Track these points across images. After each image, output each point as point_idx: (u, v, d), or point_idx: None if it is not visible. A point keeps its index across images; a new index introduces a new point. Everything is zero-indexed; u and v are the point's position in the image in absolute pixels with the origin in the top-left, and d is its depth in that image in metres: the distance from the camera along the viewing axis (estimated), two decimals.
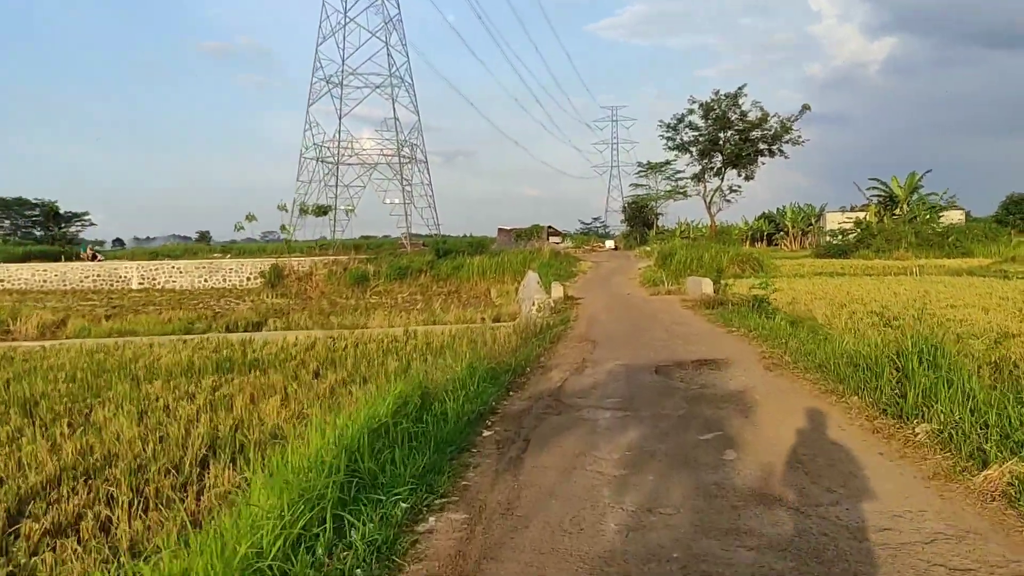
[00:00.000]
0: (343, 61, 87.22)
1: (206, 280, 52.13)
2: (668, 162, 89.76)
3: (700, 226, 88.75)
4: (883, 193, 58.25)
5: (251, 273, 50.52)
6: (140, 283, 52.28)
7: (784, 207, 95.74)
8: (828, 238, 56.19)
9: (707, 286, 24.19)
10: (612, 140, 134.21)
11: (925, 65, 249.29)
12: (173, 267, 52.87)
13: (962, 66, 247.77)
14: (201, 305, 39.91)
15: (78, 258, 58.98)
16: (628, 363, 12.46)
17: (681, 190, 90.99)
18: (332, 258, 47.53)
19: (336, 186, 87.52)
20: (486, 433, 8.09)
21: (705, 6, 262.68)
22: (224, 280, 51.83)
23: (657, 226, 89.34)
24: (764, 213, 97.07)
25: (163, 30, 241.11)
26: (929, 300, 23.99)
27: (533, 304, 22.99)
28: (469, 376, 10.43)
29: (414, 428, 7.66)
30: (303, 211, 52.79)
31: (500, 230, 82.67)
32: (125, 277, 52.81)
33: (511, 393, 10.41)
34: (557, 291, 23.52)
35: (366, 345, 19.37)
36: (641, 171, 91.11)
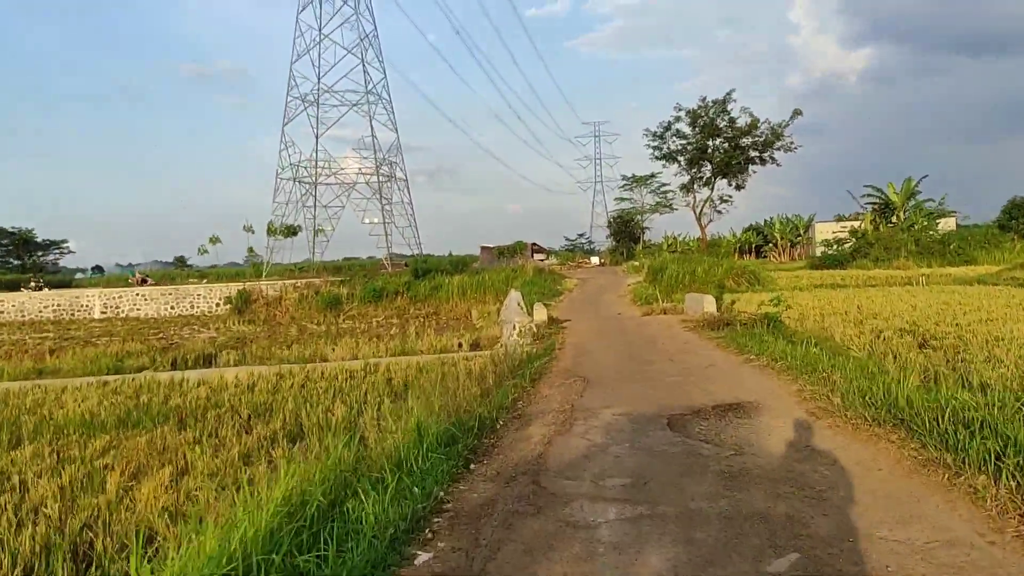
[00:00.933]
0: (319, 79, 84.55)
1: (172, 307, 48.90)
2: (653, 175, 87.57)
3: (688, 240, 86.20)
4: (879, 200, 55.68)
5: (220, 299, 47.36)
6: (103, 312, 48.98)
7: (772, 218, 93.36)
8: (823, 248, 53.48)
9: (709, 304, 21.26)
10: (595, 155, 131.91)
11: (902, 74, 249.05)
12: (137, 294, 49.58)
13: (937, 74, 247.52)
14: (160, 335, 36.69)
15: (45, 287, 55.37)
16: (630, 411, 9.47)
17: (667, 203, 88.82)
18: (305, 281, 44.42)
19: (315, 207, 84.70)
20: (420, 560, 5.04)
21: (682, 21, 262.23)
22: (192, 307, 48.63)
23: (644, 240, 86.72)
24: (751, 225, 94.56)
25: (142, 53, 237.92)
26: (954, 313, 21.38)
27: (514, 329, 20.02)
28: (415, 444, 7.44)
29: (303, 564, 4.64)
30: (271, 232, 49.59)
31: (483, 248, 79.74)
32: (87, 306, 49.49)
33: (472, 467, 7.38)
34: (540, 313, 20.50)
35: (316, 384, 16.29)
36: (626, 184, 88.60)
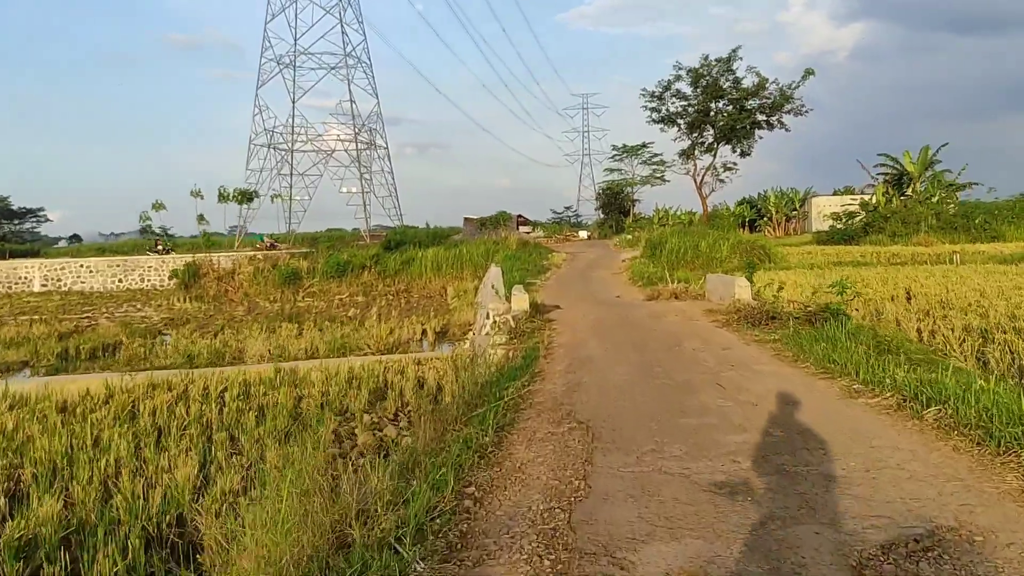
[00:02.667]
0: (295, 40, 78.42)
1: (120, 280, 43.23)
2: (645, 144, 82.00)
3: (679, 213, 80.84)
4: (893, 171, 50.36)
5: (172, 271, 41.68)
6: (43, 285, 43.24)
7: (766, 191, 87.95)
8: (831, 222, 48.18)
9: (742, 289, 15.91)
10: (583, 128, 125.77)
11: (892, 51, 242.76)
12: (82, 266, 43.82)
13: (928, 52, 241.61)
14: (86, 315, 31.16)
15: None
16: (716, 559, 4.15)
17: (659, 174, 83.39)
18: (263, 253, 38.84)
19: (291, 175, 78.87)
20: None
21: None
22: (142, 280, 42.97)
23: (634, 213, 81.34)
24: (745, 198, 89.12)
25: (127, 21, 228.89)
26: None
27: (488, 319, 14.72)
28: None
29: None
30: (222, 197, 43.78)
31: (466, 220, 74.11)
32: (26, 278, 43.71)
33: None
34: (520, 300, 14.99)
35: (179, 407, 10.87)
36: (616, 154, 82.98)
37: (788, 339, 11.29)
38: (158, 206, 41.21)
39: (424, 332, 21.51)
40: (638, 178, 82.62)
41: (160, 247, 47.04)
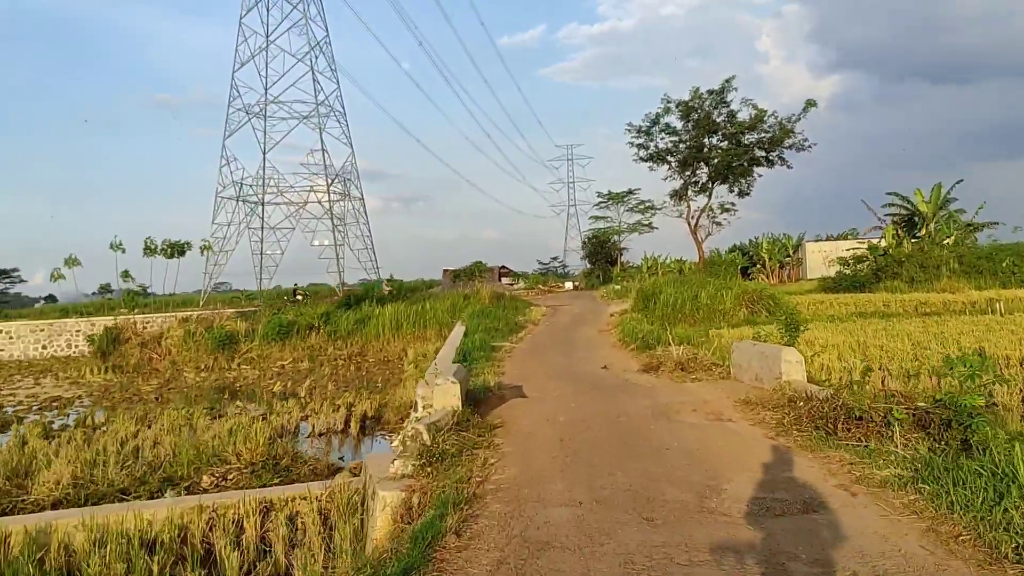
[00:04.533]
0: (265, 89, 73.68)
1: (44, 347, 37.37)
2: (631, 191, 77.19)
3: (669, 261, 75.68)
4: (904, 211, 45.25)
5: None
6: None
7: (758, 238, 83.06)
8: (839, 268, 42.82)
9: (792, 366, 10.17)
10: (568, 179, 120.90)
11: (869, 101, 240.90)
12: (1, 332, 37.94)
13: (905, 101, 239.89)
14: None
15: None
16: None
17: (646, 222, 78.49)
18: (196, 314, 33.14)
19: (261, 228, 73.54)
20: None
21: (651, 51, 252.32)
22: (69, 346, 37.12)
23: (621, 262, 76.13)
24: (736, 245, 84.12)
25: (114, 81, 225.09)
26: None
27: (416, 411, 9.13)
28: None
29: None
30: (148, 250, 37.89)
31: (445, 271, 68.59)
32: None
33: None
34: (446, 394, 9.05)
35: None
36: (602, 202, 78.03)
37: (923, 474, 5.74)
38: (72, 262, 35.44)
39: (348, 420, 15.80)
40: (625, 226, 77.68)
41: (300, 296, 41.79)
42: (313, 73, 72.44)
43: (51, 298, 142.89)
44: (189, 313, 33.60)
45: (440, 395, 8.96)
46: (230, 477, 10.72)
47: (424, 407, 9.14)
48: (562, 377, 14.03)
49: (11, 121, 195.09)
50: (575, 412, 9.75)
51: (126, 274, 35.79)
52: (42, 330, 37.95)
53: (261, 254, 74.01)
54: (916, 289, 36.41)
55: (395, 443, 8.22)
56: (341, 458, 13.04)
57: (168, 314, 34.11)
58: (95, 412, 18.04)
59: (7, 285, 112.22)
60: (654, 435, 8.26)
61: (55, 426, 17.20)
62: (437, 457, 7.57)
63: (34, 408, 21.21)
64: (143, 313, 35.20)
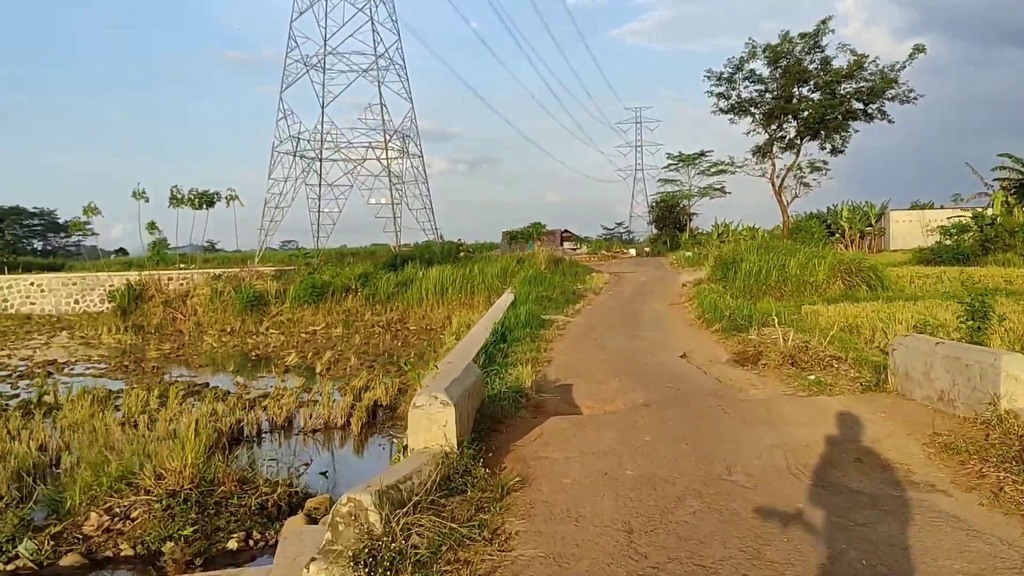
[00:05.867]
0: (324, 40, 70.36)
1: (77, 302, 34.92)
2: (703, 153, 71.69)
3: (741, 229, 70.51)
4: (1018, 174, 39.56)
5: None
6: None
7: (837, 205, 76.99)
8: (940, 238, 37.59)
9: (1019, 384, 6.06)
10: (636, 142, 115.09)
11: (955, 65, 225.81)
12: (32, 284, 35.61)
13: (992, 67, 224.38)
14: None
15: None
16: None
17: (719, 186, 73.12)
18: (224, 272, 30.04)
19: (319, 184, 70.89)
20: None
21: (726, 10, 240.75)
22: (101, 301, 34.53)
23: (691, 228, 71.19)
24: (813, 213, 78.23)
25: (186, 39, 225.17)
26: None
27: (352, 497, 5.41)
28: None
29: None
30: (174, 200, 34.69)
31: (504, 234, 64.71)
32: None
33: None
34: (431, 430, 5.05)
35: None
36: (672, 164, 72.81)
37: None
38: (91, 210, 32.59)
39: (351, 411, 12.15)
40: (695, 190, 72.43)
41: (463, 253, 38.43)
42: (373, 24, 68.68)
43: (121, 251, 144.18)
44: (220, 271, 30.54)
45: (418, 428, 5.15)
46: (133, 516, 7.16)
47: (393, 468, 5.43)
48: (628, 372, 10.09)
49: (91, 76, 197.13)
50: (651, 457, 5.80)
51: (152, 225, 32.85)
52: (74, 284, 35.49)
53: (319, 211, 71.56)
54: None
55: (324, 524, 4.48)
56: (324, 473, 9.42)
57: (198, 270, 31.10)
58: (57, 386, 14.82)
59: (80, 238, 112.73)
60: (809, 532, 4.31)
61: (11, 404, 14.01)
62: (388, 567, 3.80)
63: (14, 376, 18.19)
64: (180, 269, 32.27)
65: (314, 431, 11.58)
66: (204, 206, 34.80)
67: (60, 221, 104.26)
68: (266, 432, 11.60)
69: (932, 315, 14.67)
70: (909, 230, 69.97)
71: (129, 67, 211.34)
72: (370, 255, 61.46)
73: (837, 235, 74.23)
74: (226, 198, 35.40)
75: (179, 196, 34.23)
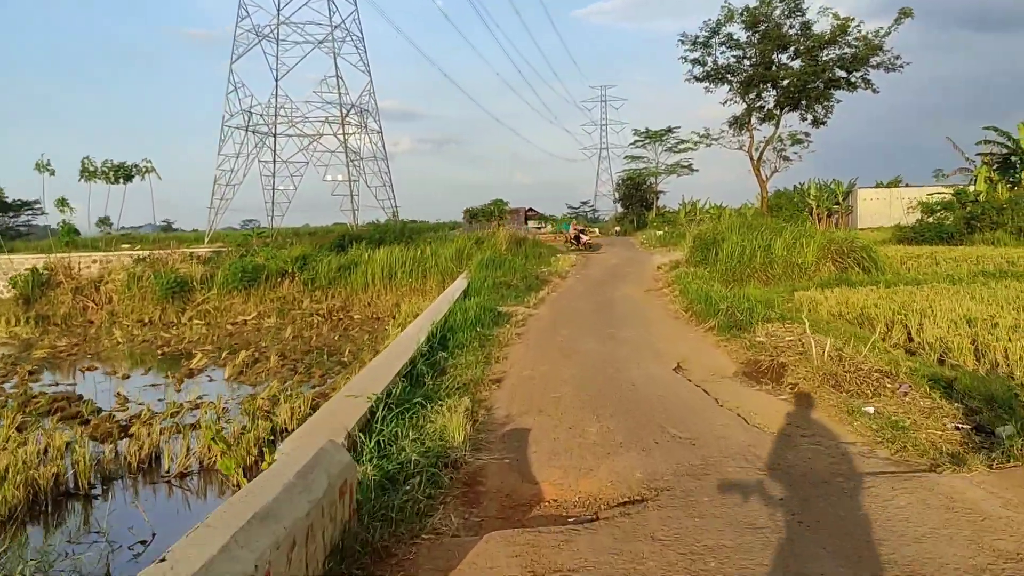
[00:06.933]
0: (278, 9, 66.07)
1: None
2: (670, 129, 68.98)
3: (708, 207, 68.05)
4: (1004, 149, 37.14)
5: None
6: None
7: (804, 183, 74.87)
8: (922, 215, 35.13)
9: None
10: (601, 121, 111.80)
11: (915, 48, 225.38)
12: None
13: (948, 50, 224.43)
14: None
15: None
16: None
17: (686, 163, 70.42)
18: (150, 254, 26.35)
19: (273, 162, 67.02)
20: None
21: None
22: (7, 289, 30.67)
23: (657, 207, 68.52)
24: (780, 190, 76.05)
25: (146, 17, 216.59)
26: None
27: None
28: None
29: None
30: (86, 173, 30.60)
31: (465, 212, 61.32)
32: None
33: None
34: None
35: None
36: (638, 140, 70.01)
37: None
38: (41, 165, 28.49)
39: (239, 442, 8.98)
40: (662, 167, 69.74)
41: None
42: None
43: (75, 231, 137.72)
44: (145, 252, 26.91)
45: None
46: None
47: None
48: (609, 402, 7.05)
49: (47, 57, 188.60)
50: None
51: (62, 202, 28.89)
52: None
53: (273, 189, 67.96)
54: None
55: None
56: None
57: (122, 253, 27.41)
58: None
59: (29, 217, 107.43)
60: None
61: None
62: None
63: None
64: (95, 252, 28.52)
65: (183, 475, 8.41)
66: (121, 180, 30.92)
67: (8, 200, 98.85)
68: (118, 478, 8.40)
69: (961, 307, 11.94)
70: (877, 208, 68.06)
71: (86, 46, 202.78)
72: (328, 234, 57.85)
73: (805, 212, 72.07)
74: (142, 170, 31.42)
75: (91, 169, 30.16)
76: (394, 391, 6.63)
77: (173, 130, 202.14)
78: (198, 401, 11.71)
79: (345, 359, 15.45)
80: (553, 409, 6.79)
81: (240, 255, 25.31)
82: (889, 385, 7.53)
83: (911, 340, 11.11)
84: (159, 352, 17.82)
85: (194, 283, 23.94)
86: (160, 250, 27.94)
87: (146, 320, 23.05)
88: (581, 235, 32.96)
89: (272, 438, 9.15)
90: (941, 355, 10.09)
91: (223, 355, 16.54)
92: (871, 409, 6.59)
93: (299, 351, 17.09)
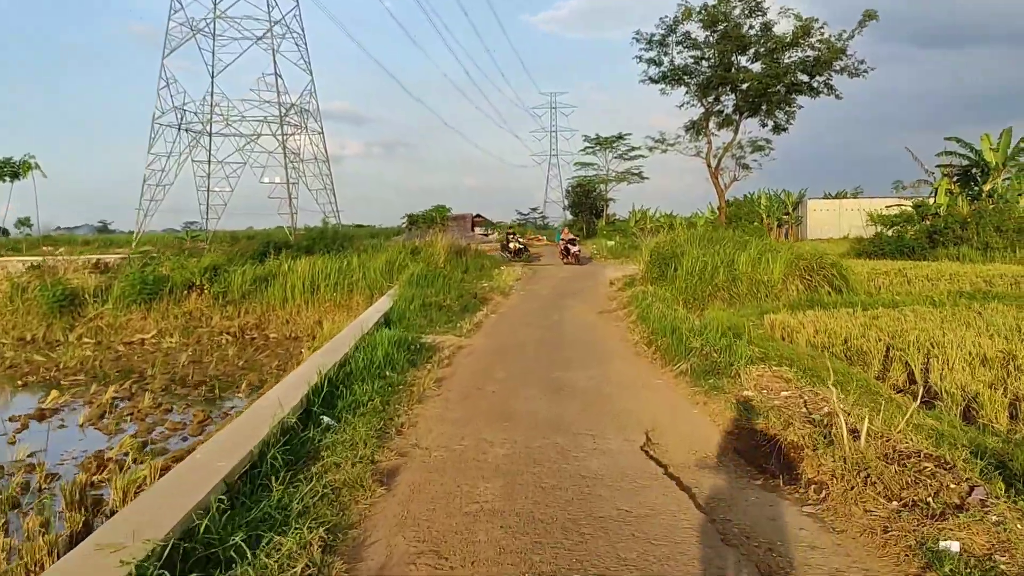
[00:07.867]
0: (214, 3, 62.37)
1: None
2: (621, 136, 67.28)
3: (658, 216, 66.34)
4: (968, 161, 35.78)
5: None
6: None
7: (754, 193, 73.96)
8: (881, 228, 33.59)
9: None
10: (551, 127, 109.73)
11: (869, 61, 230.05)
12: None
13: (894, 64, 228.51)
14: None
15: None
16: None
17: (636, 171, 68.73)
18: (35, 260, 23.05)
19: (208, 162, 63.24)
20: None
21: (641, 3, 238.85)
22: None
23: (607, 215, 66.78)
24: (730, 201, 74.94)
25: (88, 13, 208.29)
26: None
27: None
28: None
29: None
30: None
31: (406, 217, 58.43)
32: None
33: None
34: None
35: None
36: (588, 147, 68.07)
37: None
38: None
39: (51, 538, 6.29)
40: (612, 174, 67.94)
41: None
42: None
43: (2, 231, 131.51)
44: (38, 259, 23.60)
45: None
46: None
47: None
48: (548, 523, 4.56)
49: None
50: None
51: None
52: None
53: (208, 191, 64.22)
54: (994, 259, 27.42)
55: None
56: None
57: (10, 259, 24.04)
58: None
59: None
60: None
61: None
62: None
63: None
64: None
65: None
66: (7, 177, 27.47)
67: None
68: None
69: (965, 337, 9.83)
70: (827, 219, 67.41)
71: (23, 41, 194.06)
72: (267, 239, 54.34)
73: (755, 224, 71.01)
74: (20, 166, 27.94)
75: None
76: (199, 526, 3.97)
77: (110, 128, 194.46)
78: (27, 462, 8.91)
79: (241, 394, 12.75)
80: (461, 547, 4.24)
81: (142, 264, 22.19)
82: (952, 485, 5.17)
83: (912, 382, 9.01)
84: (20, 382, 14.79)
85: (87, 296, 20.82)
86: (52, 256, 24.59)
87: (28, 338, 19.89)
88: (571, 245, 30.16)
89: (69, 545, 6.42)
90: (966, 407, 8.01)
91: (93, 388, 13.61)
92: (955, 546, 4.21)
93: (191, 382, 14.23)
